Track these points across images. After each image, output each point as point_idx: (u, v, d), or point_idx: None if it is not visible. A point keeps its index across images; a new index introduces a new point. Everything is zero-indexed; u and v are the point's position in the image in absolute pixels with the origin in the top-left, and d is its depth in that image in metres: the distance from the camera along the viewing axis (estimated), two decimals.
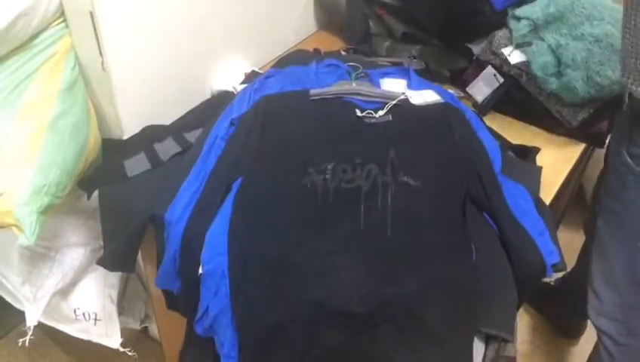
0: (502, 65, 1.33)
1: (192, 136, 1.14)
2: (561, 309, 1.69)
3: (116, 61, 1.08)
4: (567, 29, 1.29)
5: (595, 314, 1.22)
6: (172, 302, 1.04)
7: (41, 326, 1.28)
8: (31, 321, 1.24)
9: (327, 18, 1.70)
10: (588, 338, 1.64)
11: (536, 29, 1.31)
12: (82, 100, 1.08)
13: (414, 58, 1.41)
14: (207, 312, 0.87)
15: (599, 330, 1.24)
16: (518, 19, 1.32)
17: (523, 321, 1.75)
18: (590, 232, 1.43)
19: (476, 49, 1.39)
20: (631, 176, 1.05)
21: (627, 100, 1.07)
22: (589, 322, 1.63)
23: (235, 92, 1.27)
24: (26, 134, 0.98)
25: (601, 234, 1.17)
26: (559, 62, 1.28)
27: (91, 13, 1.01)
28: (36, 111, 1.00)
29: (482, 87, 1.37)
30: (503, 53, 1.33)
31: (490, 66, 1.35)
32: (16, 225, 0.97)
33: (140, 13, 1.09)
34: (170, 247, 0.96)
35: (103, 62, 1.07)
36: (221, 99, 1.24)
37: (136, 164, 1.11)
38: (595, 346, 1.29)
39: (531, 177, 1.09)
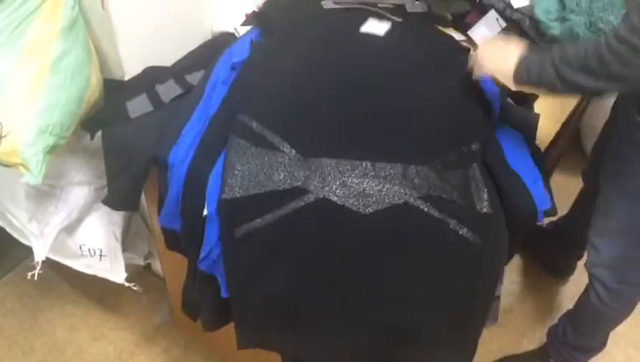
0: (505, 9, 1.32)
1: (193, 78, 1.15)
2: (553, 251, 1.73)
3: (116, 0, 1.07)
4: None
5: (591, 263, 1.26)
6: (172, 243, 1.08)
7: (47, 261, 1.32)
8: (39, 256, 1.28)
9: None
10: (577, 279, 1.70)
11: None
12: (83, 40, 1.08)
13: (417, 0, 1.39)
14: (210, 254, 0.91)
15: (593, 277, 1.28)
16: None
17: (513, 262, 1.80)
18: (588, 184, 1.46)
19: None
20: (638, 135, 1.06)
21: None
22: (578, 263, 1.70)
23: (236, 33, 1.26)
24: (29, 75, 0.99)
25: (604, 191, 1.19)
26: (563, 7, 1.27)
27: None
28: (38, 51, 1.00)
29: (484, 30, 1.36)
30: None
31: (493, 10, 1.34)
32: (23, 165, 0.99)
33: None
34: (173, 188, 0.99)
35: (102, 1, 1.06)
36: (222, 41, 1.24)
37: (138, 105, 1.12)
38: (585, 289, 1.34)
39: (528, 124, 1.11)
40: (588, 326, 1.39)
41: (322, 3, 1.25)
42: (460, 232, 0.87)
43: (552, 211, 1.01)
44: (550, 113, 1.22)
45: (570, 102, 1.28)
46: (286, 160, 0.89)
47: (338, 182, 0.86)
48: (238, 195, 0.87)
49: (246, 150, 0.91)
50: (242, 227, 0.87)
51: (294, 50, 1.07)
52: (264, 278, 0.89)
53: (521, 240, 1.02)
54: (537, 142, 1.10)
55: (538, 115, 1.15)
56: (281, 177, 0.87)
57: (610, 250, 1.22)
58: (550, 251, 1.74)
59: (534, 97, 1.22)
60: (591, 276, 1.29)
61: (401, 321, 0.91)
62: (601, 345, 1.45)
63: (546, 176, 1.03)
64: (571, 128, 1.71)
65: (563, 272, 1.77)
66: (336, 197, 0.85)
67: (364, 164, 0.88)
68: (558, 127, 1.22)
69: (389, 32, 1.11)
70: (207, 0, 1.28)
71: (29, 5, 1.00)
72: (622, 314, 1.34)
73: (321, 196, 0.85)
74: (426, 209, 0.85)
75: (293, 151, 0.90)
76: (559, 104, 1.26)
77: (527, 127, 1.10)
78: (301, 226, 0.86)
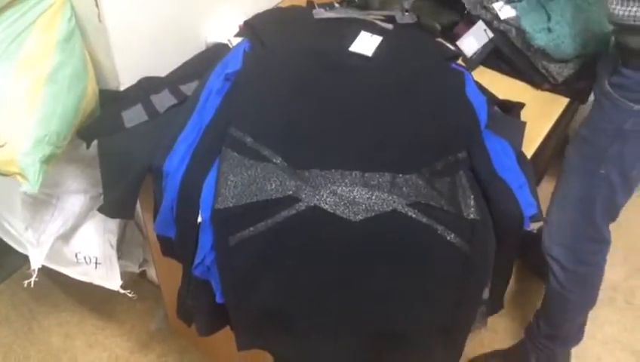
0: (492, 20, 1.35)
1: (187, 89, 1.17)
2: (534, 248, 1.76)
3: (112, 12, 1.09)
4: None
5: (546, 241, 1.31)
6: (167, 250, 1.10)
7: (42, 269, 1.34)
8: (35, 264, 1.30)
9: None
10: None
11: None
12: (80, 51, 1.10)
13: (407, 12, 1.42)
14: (204, 260, 0.93)
15: (550, 258, 1.32)
16: None
17: None
18: None
19: (467, 3, 1.40)
20: (607, 102, 1.14)
21: (613, 37, 1.14)
22: None
23: (230, 44, 1.28)
24: (26, 85, 1.01)
25: (567, 161, 1.25)
26: (549, 18, 1.30)
27: None
28: (35, 62, 1.02)
29: (472, 41, 1.39)
30: (493, 8, 1.35)
31: (481, 21, 1.37)
32: (20, 174, 1.01)
33: None
34: (168, 196, 1.01)
35: (99, 14, 1.08)
36: (216, 52, 1.26)
37: (133, 115, 1.14)
38: (548, 279, 1.38)
39: (515, 132, 1.14)
40: (555, 314, 1.42)
41: (314, 12, 1.28)
42: (448, 238, 0.89)
43: (539, 217, 1.04)
44: (537, 121, 1.25)
45: (556, 110, 1.31)
46: (278, 170, 0.91)
47: (328, 191, 0.89)
48: (231, 205, 0.89)
49: (239, 162, 0.94)
50: (236, 235, 0.89)
51: (286, 64, 1.09)
52: (258, 285, 0.91)
53: (516, 249, 1.05)
54: (524, 149, 1.13)
55: (525, 123, 1.18)
56: (273, 187, 0.90)
57: (562, 222, 1.27)
58: (538, 254, 1.76)
59: (521, 105, 1.25)
60: (550, 259, 1.33)
61: (391, 326, 0.93)
62: (576, 334, 1.47)
63: (532, 183, 1.05)
64: (559, 135, 1.74)
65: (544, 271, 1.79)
66: (326, 205, 0.87)
67: (353, 173, 0.91)
68: (544, 134, 1.25)
69: (379, 47, 1.13)
70: (201, 12, 1.30)
71: (27, 18, 1.02)
72: (583, 298, 1.37)
73: (312, 204, 0.88)
74: (414, 216, 0.88)
75: (285, 163, 0.92)
76: (546, 112, 1.30)
77: (514, 135, 1.12)
78: (293, 234, 0.88)
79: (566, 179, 1.25)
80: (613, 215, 1.25)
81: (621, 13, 1.04)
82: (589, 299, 1.37)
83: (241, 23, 1.29)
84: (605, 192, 1.19)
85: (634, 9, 1.02)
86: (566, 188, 1.25)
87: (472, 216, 0.92)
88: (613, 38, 1.15)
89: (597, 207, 1.21)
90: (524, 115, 1.24)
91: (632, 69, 1.09)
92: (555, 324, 1.43)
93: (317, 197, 0.88)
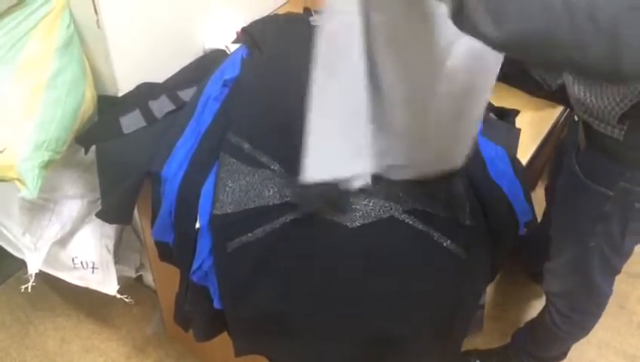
0: None
1: (185, 95, 1.18)
2: (529, 255, 1.76)
3: (111, 19, 1.10)
4: None
5: (546, 280, 1.29)
6: (165, 255, 1.11)
7: (39, 274, 1.34)
8: (32, 269, 1.29)
9: None
10: None
11: None
12: (78, 57, 1.11)
13: None
14: (202, 266, 0.94)
15: (548, 300, 1.31)
16: None
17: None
18: (549, 200, 1.47)
19: None
20: (578, 185, 1.05)
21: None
22: None
23: (227, 50, 1.29)
24: (25, 91, 1.02)
25: (553, 232, 1.19)
26: None
27: None
28: (34, 68, 1.03)
29: None
30: None
31: None
32: (19, 179, 1.01)
33: None
34: (166, 202, 1.02)
35: (97, 20, 1.09)
36: (213, 58, 1.27)
37: (131, 121, 1.14)
38: (544, 312, 1.36)
39: (510, 138, 1.15)
40: (544, 341, 1.41)
41: (311, 19, 1.29)
42: (444, 244, 0.90)
43: (533, 223, 1.05)
44: (532, 128, 1.26)
45: (551, 117, 1.33)
46: (276, 177, 0.92)
47: (325, 197, 0.89)
48: (229, 211, 0.90)
49: (237, 168, 0.94)
50: (234, 241, 0.90)
51: (283, 70, 1.10)
52: (256, 290, 0.92)
53: (508, 254, 1.06)
54: (519, 155, 1.14)
55: (520, 130, 1.20)
56: (270, 193, 0.90)
57: (559, 285, 1.25)
58: (527, 255, 1.76)
59: (516, 112, 1.27)
60: (547, 296, 1.32)
61: (388, 331, 0.94)
62: (560, 356, 1.47)
63: (527, 189, 1.07)
64: (553, 141, 1.75)
65: (540, 277, 1.79)
66: (323, 212, 0.88)
67: None
68: (539, 141, 1.27)
69: None
70: (199, 18, 1.31)
71: (27, 24, 1.03)
72: (575, 337, 1.37)
73: (309, 210, 0.88)
74: (411, 222, 0.89)
75: (283, 170, 0.93)
76: (540, 119, 1.31)
77: (510, 142, 1.14)
78: (291, 240, 0.89)
79: (556, 252, 1.19)
80: (614, 273, 1.19)
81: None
82: (578, 338, 1.37)
83: (239, 29, 1.30)
84: (599, 261, 1.12)
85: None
86: (558, 260, 1.19)
87: (467, 222, 0.93)
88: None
89: (595, 272, 1.15)
90: (519, 121, 1.25)
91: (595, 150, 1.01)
92: (543, 348, 1.43)
93: (314, 203, 0.89)
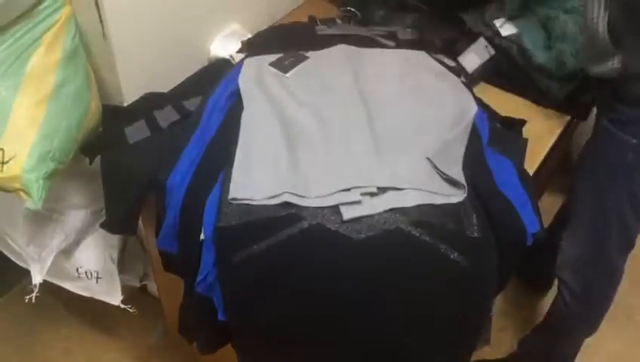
0: (493, 37, 1.36)
1: (190, 104, 1.17)
2: (529, 261, 1.76)
3: (116, 29, 1.10)
4: (558, 3, 1.32)
5: (559, 262, 1.31)
6: (169, 265, 1.10)
7: (42, 284, 1.33)
8: (36, 279, 1.29)
9: None
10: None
11: (528, 1, 1.33)
12: (83, 68, 1.11)
13: (408, 28, 1.43)
14: (206, 277, 0.93)
15: (560, 280, 1.32)
16: None
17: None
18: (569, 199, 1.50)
19: (469, 19, 1.41)
20: (607, 137, 1.15)
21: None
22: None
23: (232, 60, 1.29)
24: (30, 102, 1.01)
25: (575, 195, 1.25)
26: (549, 35, 1.31)
27: None
28: (39, 79, 1.03)
29: (473, 57, 1.40)
30: (494, 25, 1.36)
31: (482, 37, 1.38)
32: (23, 190, 1.01)
33: None
34: (171, 212, 1.01)
35: (103, 31, 1.09)
36: (218, 67, 1.27)
37: (136, 131, 1.14)
38: (555, 298, 1.38)
39: (517, 149, 1.14)
40: (553, 331, 1.42)
41: (316, 28, 1.28)
42: (451, 256, 0.89)
43: (541, 234, 1.04)
44: (538, 138, 1.26)
45: (558, 127, 1.32)
46: None
47: (331, 209, 0.89)
48: (234, 223, 0.89)
49: None
50: (239, 253, 0.89)
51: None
52: (261, 303, 0.91)
53: (515, 266, 1.05)
54: (526, 166, 1.13)
55: (527, 140, 1.19)
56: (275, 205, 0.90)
57: (576, 252, 1.27)
58: (532, 267, 1.76)
59: (522, 122, 1.26)
60: (559, 281, 1.33)
61: (396, 344, 0.93)
62: (570, 357, 1.47)
63: (535, 200, 1.06)
64: (560, 151, 1.74)
65: (540, 285, 1.78)
66: (329, 223, 0.87)
67: None
68: (546, 151, 1.26)
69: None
70: (204, 27, 1.31)
71: (31, 35, 1.03)
72: (584, 323, 1.37)
73: (315, 222, 0.88)
74: (417, 234, 0.88)
75: None
76: (547, 128, 1.30)
77: (516, 152, 1.13)
78: (296, 252, 0.88)
79: (576, 213, 1.25)
80: (629, 246, 1.24)
81: (600, 70, 1.08)
82: (590, 325, 1.37)
83: (244, 38, 1.30)
84: (618, 226, 1.18)
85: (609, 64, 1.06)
86: (577, 223, 1.25)
87: (475, 234, 0.92)
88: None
89: (612, 243, 1.20)
90: (525, 131, 1.24)
91: (627, 105, 1.11)
92: (551, 340, 1.43)
93: (320, 215, 0.88)
